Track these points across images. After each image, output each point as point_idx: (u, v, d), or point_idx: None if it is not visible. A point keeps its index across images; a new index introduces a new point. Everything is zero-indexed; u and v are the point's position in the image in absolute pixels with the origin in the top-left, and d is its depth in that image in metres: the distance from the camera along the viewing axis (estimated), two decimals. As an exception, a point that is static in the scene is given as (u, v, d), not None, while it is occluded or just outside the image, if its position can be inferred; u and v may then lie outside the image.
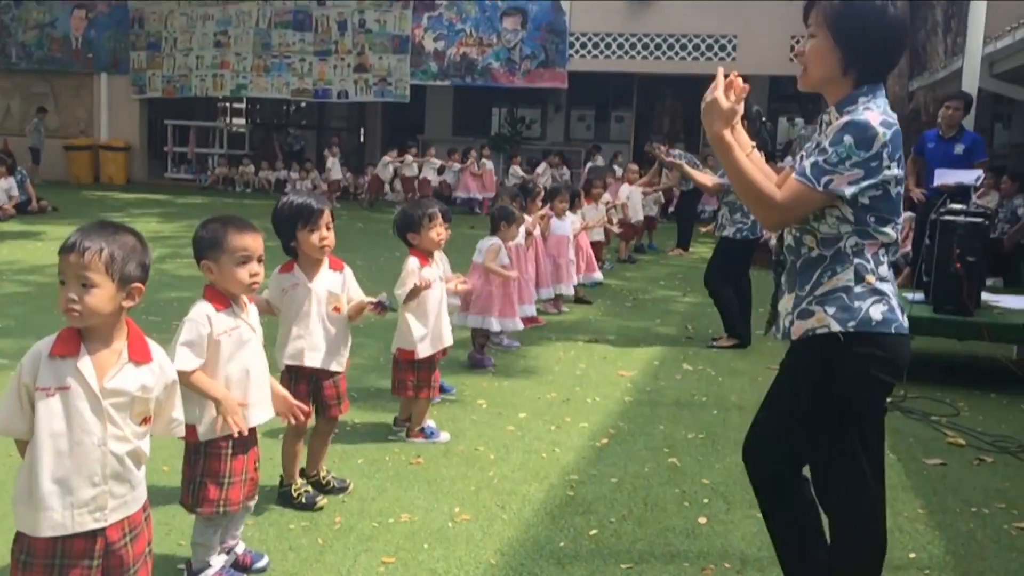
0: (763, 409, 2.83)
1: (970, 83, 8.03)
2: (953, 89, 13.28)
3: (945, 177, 7.90)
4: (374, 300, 3.83)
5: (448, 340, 4.78)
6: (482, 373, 6.02)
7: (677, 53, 19.13)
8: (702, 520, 3.79)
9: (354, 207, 18.51)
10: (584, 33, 19.33)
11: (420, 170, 18.69)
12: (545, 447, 4.64)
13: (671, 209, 15.69)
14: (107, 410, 2.34)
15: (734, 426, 5.08)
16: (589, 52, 19.42)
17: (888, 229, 2.53)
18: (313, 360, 3.72)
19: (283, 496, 3.82)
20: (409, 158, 18.54)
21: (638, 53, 19.26)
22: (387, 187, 19.20)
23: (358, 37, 19.84)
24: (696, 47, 19.02)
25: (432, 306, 4.62)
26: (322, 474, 3.96)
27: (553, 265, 8.22)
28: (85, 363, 2.33)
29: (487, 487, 4.08)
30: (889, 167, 2.45)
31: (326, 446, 3.99)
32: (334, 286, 3.78)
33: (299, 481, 3.83)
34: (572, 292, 8.51)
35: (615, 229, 10.23)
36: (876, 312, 2.51)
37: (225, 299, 3.12)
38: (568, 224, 8.58)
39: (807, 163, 2.49)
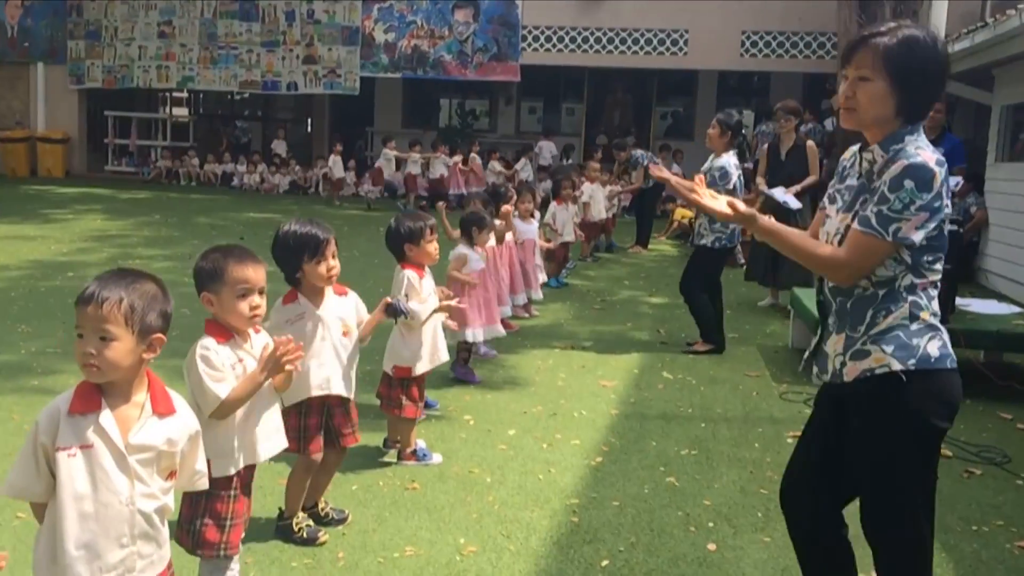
0: (803, 452, 2.79)
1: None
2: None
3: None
4: (386, 301, 3.78)
5: (444, 355, 4.70)
6: (465, 386, 5.92)
7: (629, 47, 19.13)
8: (711, 547, 3.74)
9: (306, 202, 18.19)
10: (536, 26, 19.24)
11: (427, 167, 18.08)
12: (540, 467, 4.56)
13: (625, 206, 15.72)
14: (133, 467, 2.21)
15: (725, 440, 5.07)
16: (542, 45, 19.33)
17: (939, 266, 2.53)
18: (336, 388, 3.61)
19: (282, 530, 3.68)
20: (415, 155, 17.84)
21: (590, 47, 19.23)
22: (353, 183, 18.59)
23: (307, 28, 19.49)
24: (648, 41, 19.04)
25: (429, 321, 4.52)
26: (320, 505, 3.84)
27: (522, 270, 8.14)
28: (108, 419, 2.20)
29: (489, 514, 3.99)
30: (946, 205, 2.43)
31: (331, 478, 3.87)
32: (343, 312, 3.66)
33: (300, 515, 3.70)
34: (540, 296, 8.44)
35: (549, 246, 9.72)
36: (933, 348, 2.50)
37: (227, 332, 2.98)
38: (535, 227, 8.51)
39: (869, 214, 2.44)
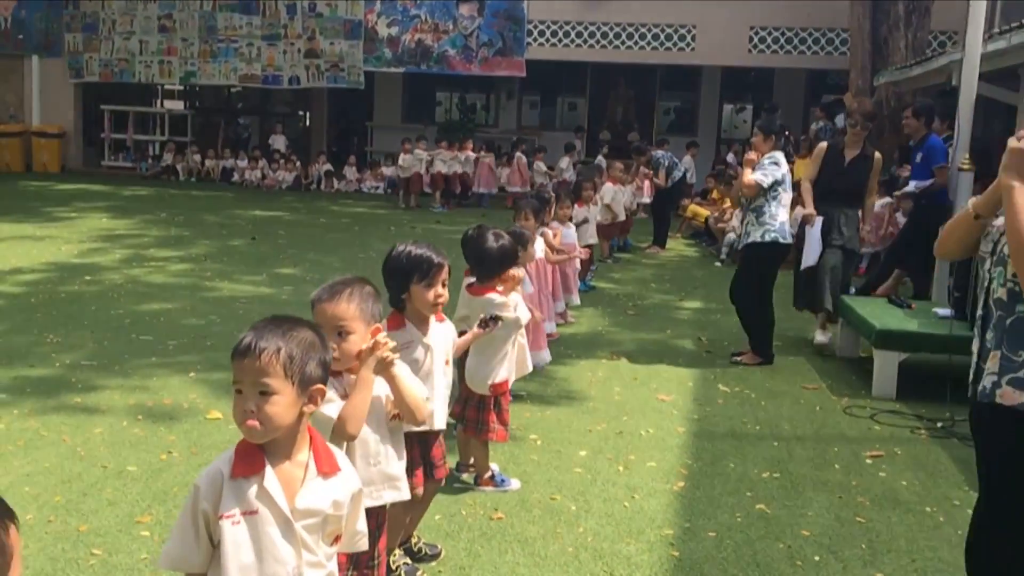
0: (990, 504, 2.65)
1: (968, 82, 7.96)
2: (923, 86, 13.42)
3: None
4: (485, 319, 3.66)
5: (530, 365, 4.63)
6: (523, 402, 5.73)
7: (636, 43, 18.96)
8: (824, 583, 3.60)
9: (309, 198, 17.92)
10: (543, 21, 19.03)
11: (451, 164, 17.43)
12: (623, 494, 4.39)
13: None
14: (300, 534, 2.02)
15: (803, 461, 4.92)
16: (547, 40, 19.13)
17: None
18: (440, 423, 3.45)
19: (379, 569, 3.50)
20: (445, 153, 17.17)
21: (596, 42, 19.05)
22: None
23: (308, 21, 19.19)
24: (655, 36, 18.88)
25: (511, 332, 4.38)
26: (413, 540, 3.66)
27: (561, 275, 7.97)
28: (272, 482, 2.01)
29: (584, 548, 3.82)
30: None
31: (424, 511, 3.69)
32: (446, 340, 3.48)
33: (397, 552, 3.52)
34: (578, 302, 8.27)
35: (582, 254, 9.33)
36: None
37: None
38: (573, 231, 8.34)
39: None
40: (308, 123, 24.15)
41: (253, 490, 1.99)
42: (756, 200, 6.81)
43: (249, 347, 2.00)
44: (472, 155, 17.61)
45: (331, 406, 2.55)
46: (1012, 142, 2.47)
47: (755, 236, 6.83)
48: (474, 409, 4.32)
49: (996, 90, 11.42)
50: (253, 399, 1.98)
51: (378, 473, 2.77)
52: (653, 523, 4.08)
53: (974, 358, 2.65)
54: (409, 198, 16.95)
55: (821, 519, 4.19)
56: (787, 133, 7.84)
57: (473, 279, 4.42)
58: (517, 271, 4.70)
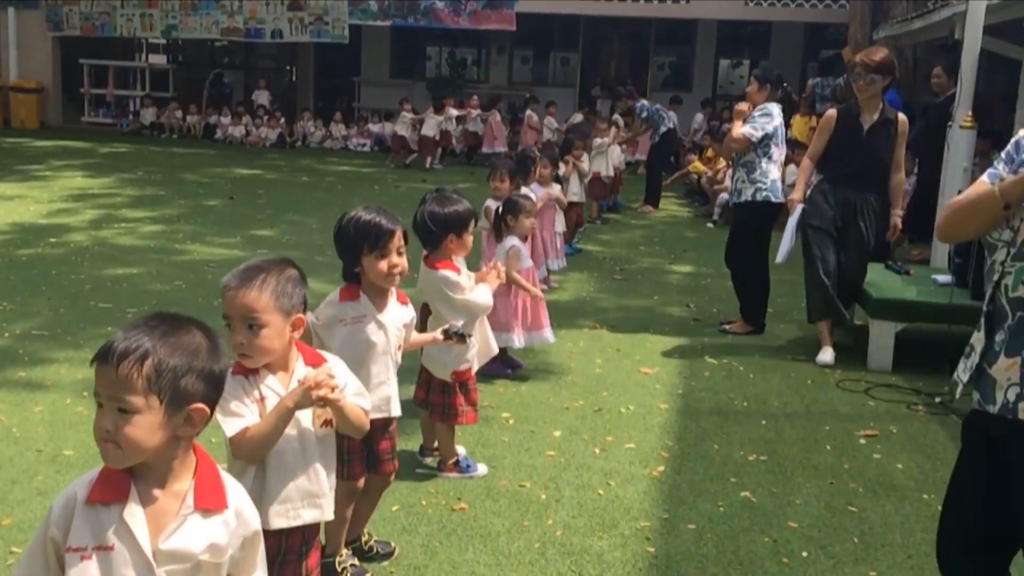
0: (960, 509, 2.35)
1: (972, 35, 7.57)
2: (925, 39, 12.96)
3: None
4: (449, 330, 3.30)
5: (495, 348, 4.26)
6: (497, 377, 5.39)
7: (630, -6, 18.37)
8: (812, 584, 3.29)
9: (294, 156, 17.44)
10: (534, -28, 18.42)
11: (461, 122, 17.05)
12: (598, 479, 4.08)
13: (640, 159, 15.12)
14: None
15: (792, 441, 4.61)
16: (538, -8, 18.53)
17: None
18: (395, 409, 3.16)
19: (325, 570, 3.19)
20: (434, 117, 16.23)
21: (589, -6, 18.46)
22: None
23: (292, -27, 18.56)
24: (649, -12, 18.29)
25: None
26: (364, 538, 3.34)
27: (540, 238, 7.61)
28: (135, 514, 1.66)
29: (552, 543, 3.51)
30: None
31: (374, 507, 3.37)
32: (404, 322, 3.15)
33: (344, 551, 3.20)
34: (562, 265, 7.93)
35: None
36: None
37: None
38: (556, 191, 7.95)
39: None
40: (295, 78, 23.56)
41: (111, 520, 1.66)
42: (746, 155, 6.42)
43: (109, 352, 1.65)
44: (478, 112, 17.18)
45: (231, 422, 2.21)
46: None
47: (746, 195, 6.46)
48: (439, 393, 3.97)
49: (1001, 44, 10.96)
50: (111, 417, 1.64)
51: (296, 489, 2.41)
52: (628, 514, 3.77)
53: (976, 358, 2.31)
54: (402, 158, 16.50)
55: (810, 508, 3.88)
56: (785, 83, 7.23)
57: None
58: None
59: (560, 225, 7.98)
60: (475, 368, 4.05)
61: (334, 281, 3.38)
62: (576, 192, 9.22)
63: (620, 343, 6.25)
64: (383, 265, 2.96)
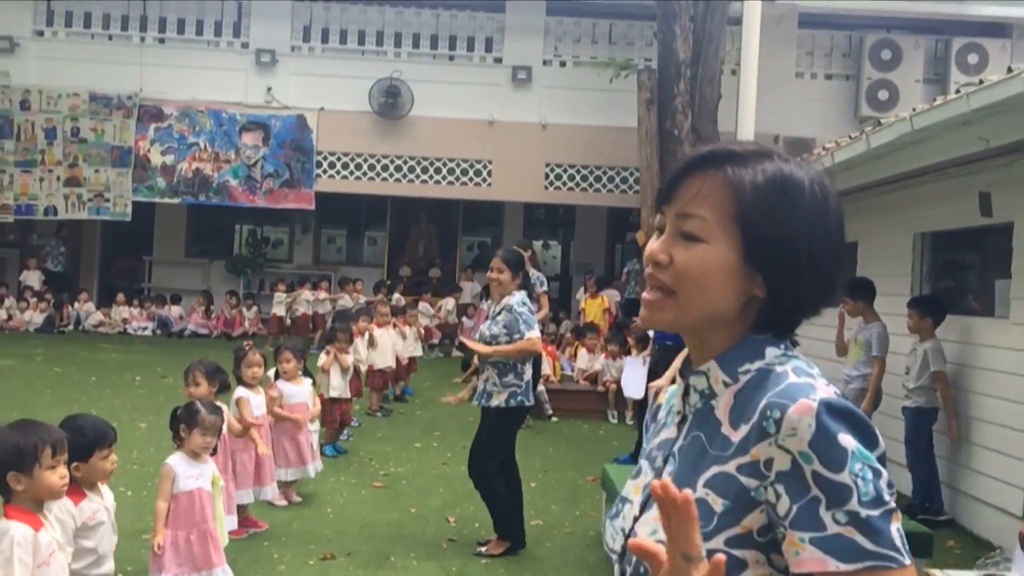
0: None
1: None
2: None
3: None
4: None
5: None
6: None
7: (432, 176, 18.18)
8: None
9: (53, 342, 15.69)
10: (333, 152, 17.99)
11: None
12: None
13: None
14: None
15: None
16: (339, 172, 18.06)
17: None
18: None
19: None
20: (307, 295, 16.85)
21: (391, 175, 18.14)
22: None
23: (70, 147, 17.38)
24: (451, 171, 18.17)
25: None
26: None
27: (291, 442, 6.56)
28: None
29: None
30: None
31: None
32: None
33: None
34: (318, 470, 6.85)
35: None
36: None
37: None
38: (307, 388, 6.94)
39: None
40: (80, 256, 21.90)
41: None
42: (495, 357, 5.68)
43: None
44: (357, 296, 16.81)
45: None
46: None
47: (499, 401, 5.68)
48: None
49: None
50: None
51: None
52: None
53: None
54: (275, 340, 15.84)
55: None
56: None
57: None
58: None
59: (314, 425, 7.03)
60: None
61: None
62: (337, 386, 8.23)
63: (347, 580, 5.16)
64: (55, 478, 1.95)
